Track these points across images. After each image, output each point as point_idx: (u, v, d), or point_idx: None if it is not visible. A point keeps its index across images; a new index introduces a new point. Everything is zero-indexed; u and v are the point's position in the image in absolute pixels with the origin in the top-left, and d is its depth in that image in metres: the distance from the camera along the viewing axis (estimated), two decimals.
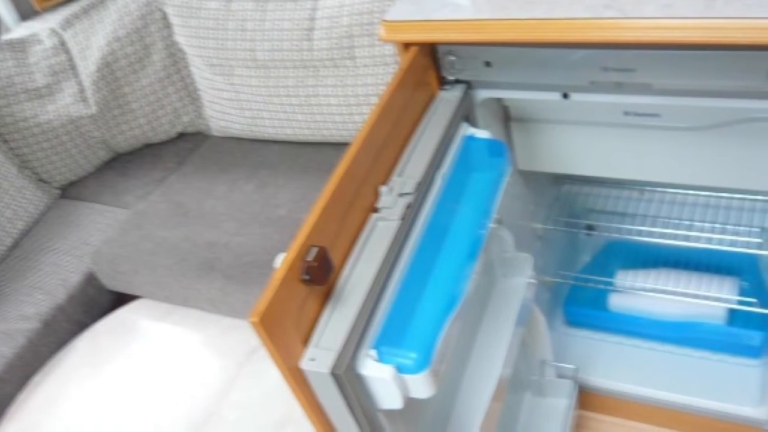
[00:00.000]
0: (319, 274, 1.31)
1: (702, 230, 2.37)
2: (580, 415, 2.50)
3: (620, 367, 2.42)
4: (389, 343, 1.35)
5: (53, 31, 3.10)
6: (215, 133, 3.26)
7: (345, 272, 1.42)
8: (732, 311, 2.32)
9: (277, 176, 2.87)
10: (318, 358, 1.29)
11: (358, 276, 1.41)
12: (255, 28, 2.78)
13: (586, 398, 2.46)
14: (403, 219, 1.50)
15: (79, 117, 3.10)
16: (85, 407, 2.37)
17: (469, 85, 1.83)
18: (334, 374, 1.27)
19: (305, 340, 1.32)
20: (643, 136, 1.98)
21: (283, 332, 1.25)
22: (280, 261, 1.28)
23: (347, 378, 1.29)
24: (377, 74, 2.65)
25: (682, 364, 2.39)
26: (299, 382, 1.30)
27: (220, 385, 2.31)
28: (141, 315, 2.68)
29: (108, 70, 3.06)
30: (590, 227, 2.54)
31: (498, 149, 1.79)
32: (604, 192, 2.55)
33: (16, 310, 2.64)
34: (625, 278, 2.48)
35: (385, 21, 1.73)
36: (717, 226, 2.37)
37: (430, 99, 1.79)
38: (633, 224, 2.46)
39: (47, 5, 3.30)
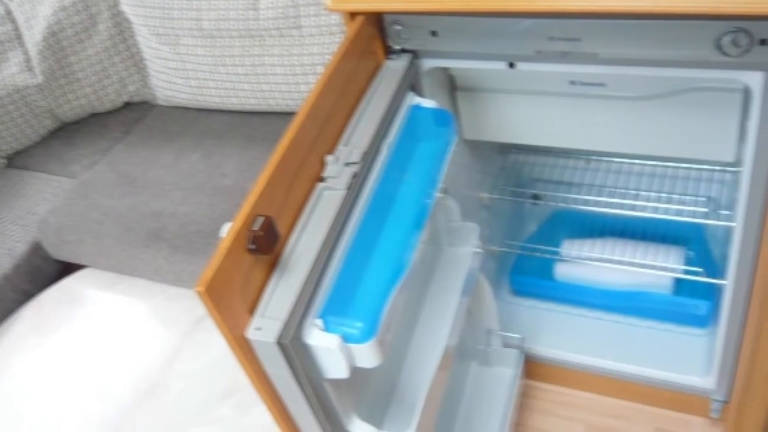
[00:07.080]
0: (265, 243, 1.31)
1: (648, 200, 2.38)
2: (526, 384, 2.52)
3: (566, 336, 2.44)
4: (335, 312, 1.35)
5: None
6: (161, 103, 3.23)
7: (291, 242, 1.42)
8: (678, 281, 2.34)
9: (224, 146, 2.86)
10: (264, 328, 1.29)
11: (304, 245, 1.41)
12: None
13: (533, 367, 2.48)
14: (349, 188, 1.50)
15: (25, 86, 3.07)
16: (31, 376, 2.36)
17: (415, 55, 1.82)
18: (280, 344, 1.27)
19: (251, 310, 1.32)
20: (589, 105, 1.99)
21: (229, 302, 1.25)
22: (226, 230, 1.27)
23: (293, 347, 1.29)
24: (323, 44, 2.64)
25: (629, 334, 2.41)
26: (245, 351, 1.30)
27: (166, 354, 2.31)
28: (87, 284, 2.67)
29: (54, 40, 3.03)
30: (536, 197, 2.55)
31: (444, 119, 1.79)
32: (550, 161, 2.56)
33: None
34: (571, 247, 2.50)
35: None
36: (663, 195, 2.39)
37: (376, 68, 1.78)
38: (579, 194, 2.47)
39: None
